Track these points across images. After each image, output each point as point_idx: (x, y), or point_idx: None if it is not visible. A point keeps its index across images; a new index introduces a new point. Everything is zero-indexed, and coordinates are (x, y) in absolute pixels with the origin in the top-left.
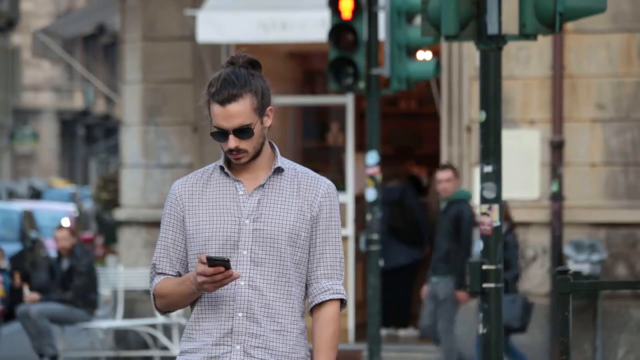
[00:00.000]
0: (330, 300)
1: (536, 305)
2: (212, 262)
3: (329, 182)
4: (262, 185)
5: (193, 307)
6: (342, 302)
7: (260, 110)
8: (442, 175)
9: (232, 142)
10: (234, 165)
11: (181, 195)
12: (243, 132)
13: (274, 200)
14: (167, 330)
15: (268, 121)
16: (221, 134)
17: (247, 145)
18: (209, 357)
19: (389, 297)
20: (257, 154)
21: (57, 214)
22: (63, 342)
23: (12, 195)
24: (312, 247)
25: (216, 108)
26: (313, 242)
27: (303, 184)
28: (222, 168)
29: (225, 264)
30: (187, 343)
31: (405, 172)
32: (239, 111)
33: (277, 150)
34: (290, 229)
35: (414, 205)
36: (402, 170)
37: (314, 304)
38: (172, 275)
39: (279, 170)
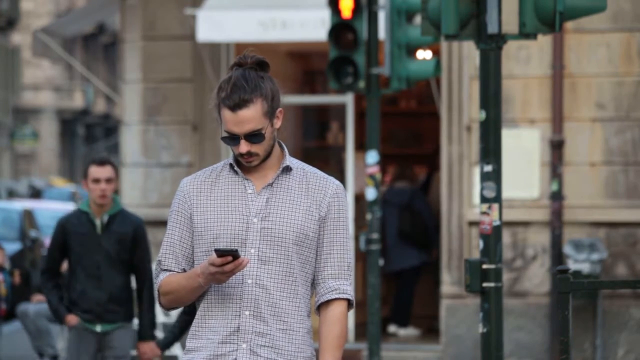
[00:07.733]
0: (337, 300)
1: (536, 305)
2: (220, 252)
3: (337, 182)
4: (271, 184)
5: (199, 305)
6: (350, 303)
7: (271, 113)
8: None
9: (244, 146)
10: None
11: (189, 192)
12: (254, 136)
13: (283, 199)
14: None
15: (278, 123)
16: (232, 139)
17: (258, 148)
18: (215, 355)
19: (400, 297)
20: (267, 155)
21: (57, 213)
22: (63, 341)
23: (12, 194)
24: (320, 247)
25: (227, 113)
26: (321, 242)
27: (312, 184)
28: (231, 166)
29: (234, 253)
30: (193, 341)
31: (412, 173)
32: (250, 117)
33: (286, 149)
34: (298, 228)
35: (423, 209)
36: (409, 171)
37: (319, 302)
38: (177, 272)
39: (287, 169)
